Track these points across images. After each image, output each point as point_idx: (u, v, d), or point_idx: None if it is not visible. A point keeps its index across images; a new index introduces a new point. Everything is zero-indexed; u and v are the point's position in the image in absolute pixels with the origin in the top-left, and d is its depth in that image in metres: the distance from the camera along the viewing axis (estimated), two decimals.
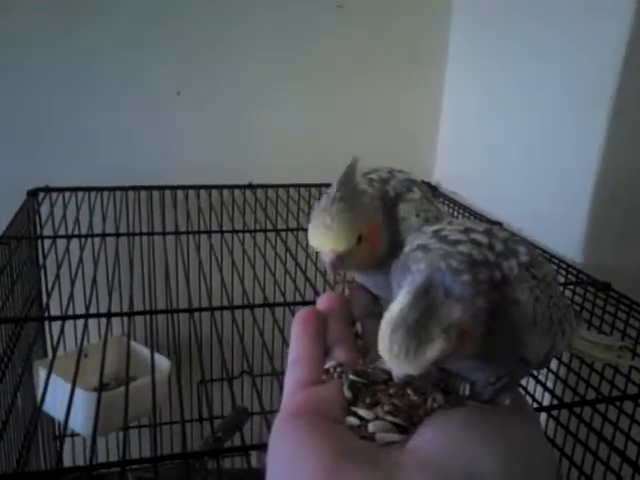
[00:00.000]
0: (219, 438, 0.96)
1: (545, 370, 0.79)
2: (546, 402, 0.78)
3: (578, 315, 0.45)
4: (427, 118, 1.35)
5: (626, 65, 0.85)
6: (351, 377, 0.34)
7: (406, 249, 0.34)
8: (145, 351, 1.06)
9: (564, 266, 0.92)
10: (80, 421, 0.91)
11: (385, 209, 0.43)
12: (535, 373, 0.70)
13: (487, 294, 0.30)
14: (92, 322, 1.06)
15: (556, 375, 0.78)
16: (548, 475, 0.30)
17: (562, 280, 0.90)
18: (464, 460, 0.27)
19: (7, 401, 0.73)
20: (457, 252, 0.31)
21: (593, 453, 0.64)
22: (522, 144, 1.10)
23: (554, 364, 0.80)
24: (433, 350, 0.28)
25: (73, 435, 1.19)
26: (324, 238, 0.39)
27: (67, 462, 1.16)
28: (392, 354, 0.29)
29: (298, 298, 0.86)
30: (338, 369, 0.36)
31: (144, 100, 1.20)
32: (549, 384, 0.73)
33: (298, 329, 0.38)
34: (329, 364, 0.36)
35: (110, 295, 0.81)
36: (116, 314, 0.74)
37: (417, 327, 0.28)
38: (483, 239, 0.32)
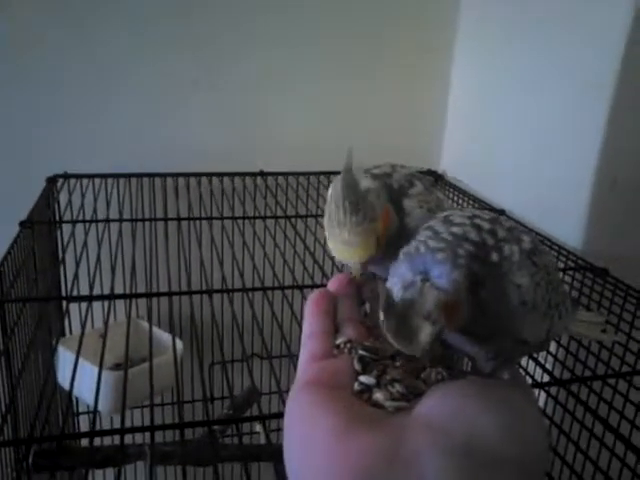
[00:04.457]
0: (230, 415, 1.00)
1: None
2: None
3: (575, 301, 0.48)
4: (434, 107, 1.37)
5: (628, 49, 0.86)
6: (360, 352, 0.37)
7: (420, 229, 0.37)
8: (159, 333, 1.10)
9: (564, 252, 0.95)
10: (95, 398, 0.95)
11: (391, 199, 0.46)
12: (535, 355, 0.73)
13: (467, 267, 0.32)
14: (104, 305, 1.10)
15: (554, 356, 0.81)
16: (541, 440, 0.32)
17: (562, 266, 0.92)
18: (466, 422, 0.30)
19: (37, 377, 0.77)
20: (447, 232, 0.34)
21: (588, 430, 0.67)
22: (525, 131, 1.12)
23: (553, 346, 0.83)
24: (424, 335, 0.32)
25: (88, 412, 1.23)
26: (347, 253, 0.41)
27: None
28: (390, 340, 0.33)
29: (308, 281, 0.89)
30: (348, 345, 0.38)
31: (161, 90, 1.22)
32: (547, 366, 0.76)
33: (311, 308, 0.41)
34: (340, 340, 0.39)
35: (133, 276, 0.84)
36: (139, 295, 0.78)
37: (403, 319, 0.32)
38: (486, 225, 0.34)
